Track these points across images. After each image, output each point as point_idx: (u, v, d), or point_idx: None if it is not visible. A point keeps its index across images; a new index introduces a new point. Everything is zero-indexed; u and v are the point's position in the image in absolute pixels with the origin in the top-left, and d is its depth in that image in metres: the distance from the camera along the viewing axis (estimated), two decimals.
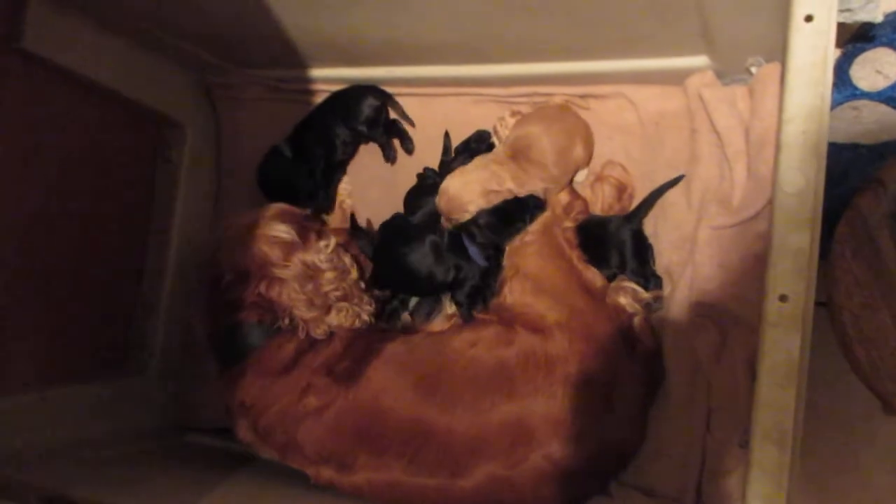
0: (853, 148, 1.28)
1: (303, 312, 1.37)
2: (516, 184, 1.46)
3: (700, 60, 1.37)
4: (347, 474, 1.28)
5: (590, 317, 1.32)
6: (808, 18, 0.93)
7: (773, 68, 1.27)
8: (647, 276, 1.41)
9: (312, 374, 1.33)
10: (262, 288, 1.35)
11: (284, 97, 1.80)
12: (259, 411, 1.34)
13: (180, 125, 1.79)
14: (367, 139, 1.75)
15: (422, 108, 1.72)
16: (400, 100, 1.72)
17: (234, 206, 1.84)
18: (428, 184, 1.65)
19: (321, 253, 1.42)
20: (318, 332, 1.39)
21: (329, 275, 1.42)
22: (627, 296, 1.37)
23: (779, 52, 0.98)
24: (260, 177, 1.76)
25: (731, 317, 1.28)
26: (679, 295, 1.36)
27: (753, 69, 1.32)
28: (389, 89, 1.71)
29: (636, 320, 1.36)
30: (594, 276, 1.39)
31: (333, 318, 1.41)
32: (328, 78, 1.74)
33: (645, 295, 1.38)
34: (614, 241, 1.42)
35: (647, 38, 1.34)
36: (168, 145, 1.80)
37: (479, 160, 1.50)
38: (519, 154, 1.47)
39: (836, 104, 1.29)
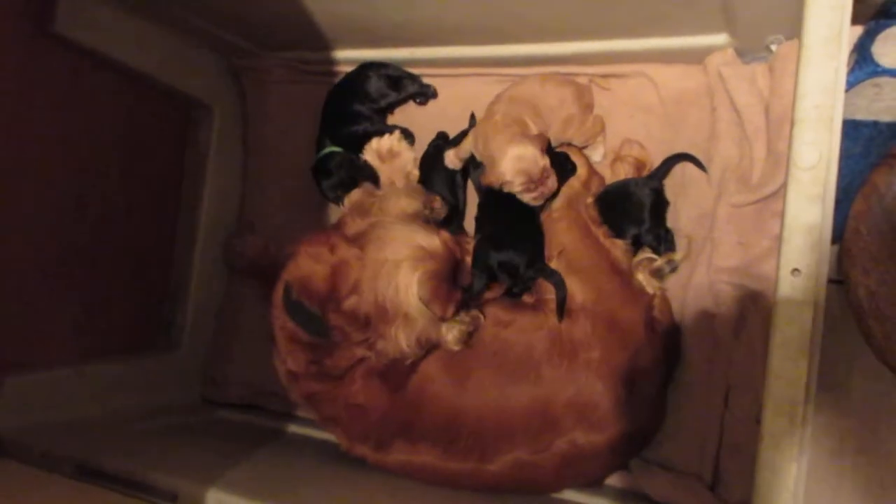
0: (874, 125, 1.27)
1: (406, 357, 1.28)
2: (535, 124, 1.45)
3: (720, 38, 1.37)
4: (381, 454, 1.32)
5: (615, 300, 1.32)
6: None
7: (792, 46, 1.26)
8: (661, 236, 1.42)
9: (368, 374, 1.32)
10: (378, 346, 1.25)
11: (309, 79, 1.82)
12: (308, 382, 1.35)
13: (208, 107, 1.83)
14: (393, 107, 1.77)
15: (444, 88, 1.73)
16: (423, 80, 1.73)
17: (261, 186, 1.88)
18: (430, 152, 1.67)
19: (452, 333, 1.28)
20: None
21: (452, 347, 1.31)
22: (644, 271, 1.38)
23: (798, 30, 0.98)
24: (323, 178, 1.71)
25: (749, 293, 1.29)
26: (698, 272, 1.37)
27: (773, 47, 1.31)
28: (412, 70, 1.73)
29: (655, 299, 1.37)
30: (622, 254, 1.39)
31: None
32: (351, 59, 1.76)
33: (659, 262, 1.39)
34: (635, 199, 1.43)
35: (668, 17, 1.34)
36: (196, 126, 1.84)
37: (493, 128, 1.44)
38: (515, 103, 1.46)
39: (857, 81, 1.28)
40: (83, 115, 1.51)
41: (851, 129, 1.25)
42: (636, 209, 1.43)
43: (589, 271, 1.35)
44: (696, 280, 1.37)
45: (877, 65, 1.28)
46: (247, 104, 1.89)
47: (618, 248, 1.40)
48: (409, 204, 1.38)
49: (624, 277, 1.37)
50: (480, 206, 1.53)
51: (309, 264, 1.27)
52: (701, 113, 1.45)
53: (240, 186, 1.92)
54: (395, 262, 1.20)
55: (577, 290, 1.32)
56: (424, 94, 1.73)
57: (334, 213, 1.78)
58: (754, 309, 1.27)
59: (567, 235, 1.40)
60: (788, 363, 0.91)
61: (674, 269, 1.42)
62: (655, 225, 1.43)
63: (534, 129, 1.42)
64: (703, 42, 1.39)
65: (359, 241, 1.25)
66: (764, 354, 1.19)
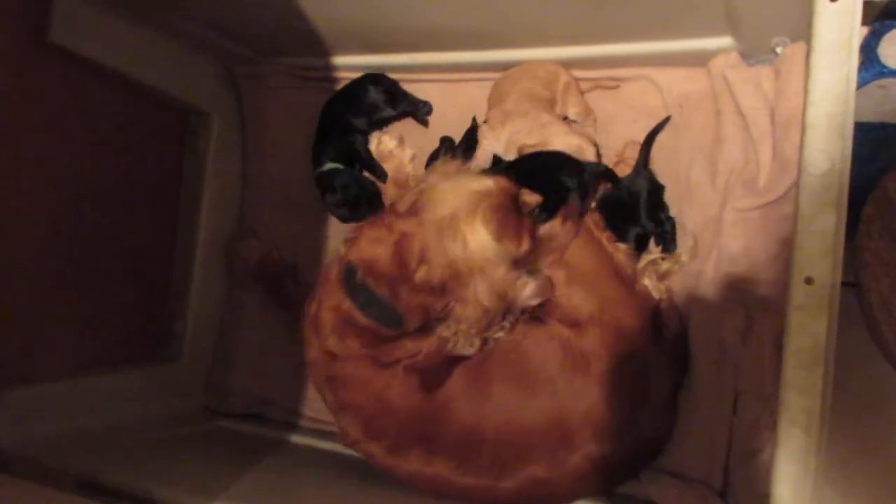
0: (881, 127, 1.27)
1: (462, 347, 1.26)
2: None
3: (724, 41, 1.36)
4: (394, 458, 1.28)
5: (621, 308, 1.30)
6: None
7: (798, 48, 1.26)
8: (661, 219, 1.43)
9: (411, 369, 1.27)
10: (457, 312, 1.20)
11: (308, 85, 1.81)
12: (346, 364, 1.29)
13: (206, 114, 1.81)
14: (390, 121, 1.77)
15: (445, 94, 1.71)
16: (423, 86, 1.72)
17: (261, 193, 1.86)
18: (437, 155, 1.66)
19: (529, 287, 1.24)
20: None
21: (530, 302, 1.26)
22: (651, 276, 1.37)
23: (804, 32, 0.97)
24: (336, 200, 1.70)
25: (757, 299, 1.28)
26: (705, 277, 1.36)
27: (778, 49, 1.30)
28: (412, 76, 1.72)
29: (663, 304, 1.36)
30: (625, 258, 1.38)
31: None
32: (351, 65, 1.75)
33: (665, 266, 1.39)
34: (630, 195, 1.44)
35: (671, 20, 1.33)
36: (195, 134, 1.82)
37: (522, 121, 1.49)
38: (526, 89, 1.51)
39: (863, 83, 1.27)
40: (80, 124, 1.49)
41: (858, 131, 1.23)
42: (632, 204, 1.43)
43: (592, 280, 1.33)
44: (702, 285, 1.36)
45: (883, 66, 1.27)
46: (245, 111, 1.87)
47: (621, 252, 1.38)
48: (451, 165, 1.36)
49: (628, 283, 1.35)
50: None
51: (372, 247, 1.21)
52: (705, 116, 1.44)
53: (239, 194, 1.90)
54: (453, 214, 1.16)
55: (582, 301, 1.29)
56: (421, 114, 1.72)
57: (334, 221, 1.77)
58: (762, 314, 1.26)
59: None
60: (802, 373, 0.90)
61: (684, 263, 1.41)
62: (654, 209, 1.43)
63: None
64: (706, 45, 1.38)
65: (413, 211, 1.21)
66: (772, 360, 1.19)
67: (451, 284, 1.18)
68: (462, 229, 1.15)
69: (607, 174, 1.45)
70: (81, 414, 1.46)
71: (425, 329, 1.26)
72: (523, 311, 1.27)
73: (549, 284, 1.27)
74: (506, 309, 1.24)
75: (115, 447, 1.44)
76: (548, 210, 1.30)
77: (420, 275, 1.17)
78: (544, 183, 1.35)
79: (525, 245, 1.20)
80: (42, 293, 1.43)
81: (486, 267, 1.17)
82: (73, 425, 1.43)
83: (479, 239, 1.15)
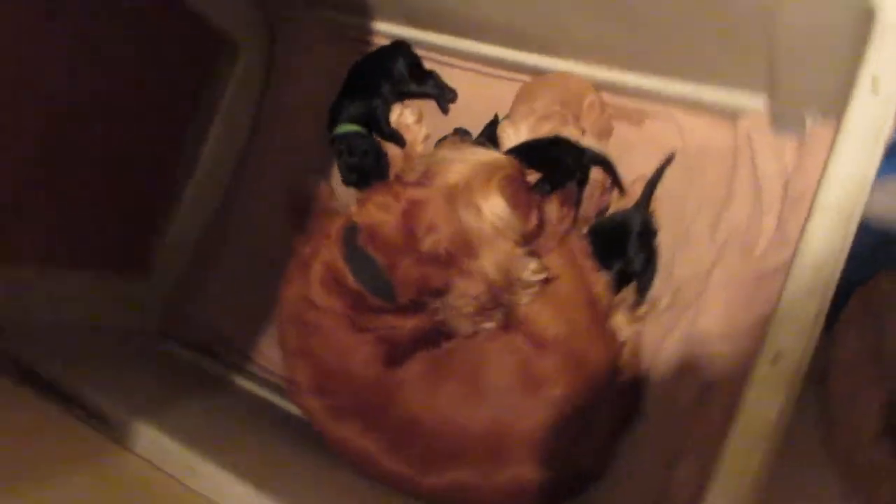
0: (881, 234, 1.25)
1: (458, 325, 1.26)
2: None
3: (757, 101, 1.35)
4: (330, 420, 1.26)
5: (586, 339, 1.28)
6: (874, 88, 0.91)
7: (827, 125, 1.24)
8: (643, 262, 1.43)
9: (381, 340, 1.25)
10: (459, 286, 1.19)
11: (342, 44, 1.80)
12: (324, 315, 1.26)
13: (235, 45, 1.79)
14: (412, 96, 1.75)
15: (474, 84, 1.70)
16: (454, 72, 1.72)
17: (270, 144, 1.86)
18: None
19: (531, 266, 1.23)
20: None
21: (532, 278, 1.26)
22: (626, 312, 1.36)
23: (837, 111, 0.96)
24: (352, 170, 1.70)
25: (724, 364, 1.27)
26: (678, 331, 1.34)
27: (808, 121, 1.29)
28: (447, 59, 1.71)
29: (626, 347, 1.34)
30: (603, 290, 1.36)
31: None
32: (390, 34, 1.74)
33: (642, 310, 1.39)
34: (622, 229, 1.44)
35: (710, 63, 1.32)
36: (221, 59, 1.80)
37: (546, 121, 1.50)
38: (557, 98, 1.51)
39: (883, 175, 1.26)
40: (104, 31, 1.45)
41: (866, 225, 1.23)
42: (622, 237, 1.43)
43: (566, 304, 1.31)
44: (673, 339, 1.35)
45: None
46: (275, 54, 1.87)
47: (600, 284, 1.37)
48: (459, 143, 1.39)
49: (600, 317, 1.34)
50: None
51: (379, 214, 1.19)
52: (720, 170, 1.43)
53: (248, 133, 1.89)
54: (467, 183, 1.16)
55: (551, 322, 1.28)
56: (444, 100, 1.72)
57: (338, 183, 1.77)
58: (723, 381, 1.25)
59: (550, 262, 1.34)
60: (745, 446, 0.89)
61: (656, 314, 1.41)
62: (641, 248, 1.43)
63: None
64: (738, 100, 1.37)
65: (422, 180, 1.21)
66: (720, 427, 1.18)
67: (458, 255, 1.17)
68: (476, 197, 1.16)
69: (606, 163, 1.46)
70: (38, 305, 1.45)
71: (413, 307, 1.25)
72: (522, 288, 1.26)
73: (545, 267, 1.27)
74: (506, 287, 1.23)
75: (63, 344, 1.42)
76: (550, 184, 1.33)
77: (428, 243, 1.16)
78: (546, 161, 1.39)
79: (533, 220, 1.22)
80: (29, 179, 1.40)
81: (495, 238, 1.17)
82: (27, 313, 1.41)
83: (493, 208, 1.16)
